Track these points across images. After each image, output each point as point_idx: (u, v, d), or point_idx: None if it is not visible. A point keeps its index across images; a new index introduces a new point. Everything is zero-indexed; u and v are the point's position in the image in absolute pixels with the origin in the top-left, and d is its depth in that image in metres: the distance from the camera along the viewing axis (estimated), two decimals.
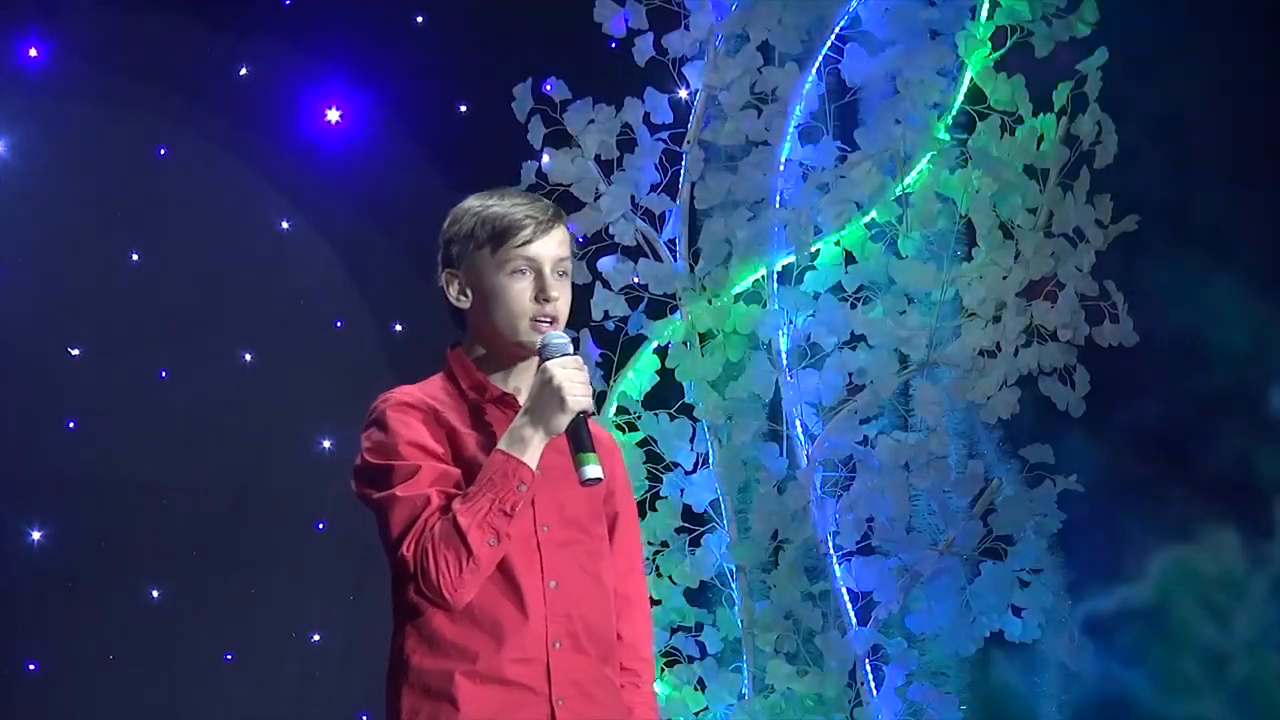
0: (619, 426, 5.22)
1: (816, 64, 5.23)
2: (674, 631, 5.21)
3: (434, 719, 3.14)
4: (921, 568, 5.06)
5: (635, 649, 3.36)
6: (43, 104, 5.56)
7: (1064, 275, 5.05)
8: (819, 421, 5.18)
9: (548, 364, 3.15)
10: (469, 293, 3.24)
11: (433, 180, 5.92)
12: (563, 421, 3.14)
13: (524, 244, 3.21)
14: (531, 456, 3.13)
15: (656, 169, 5.25)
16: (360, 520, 5.81)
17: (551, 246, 3.23)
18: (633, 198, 5.24)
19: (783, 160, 5.20)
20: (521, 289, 3.21)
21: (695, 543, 5.24)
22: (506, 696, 3.14)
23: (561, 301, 3.23)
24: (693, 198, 5.28)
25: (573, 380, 3.14)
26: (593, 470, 3.14)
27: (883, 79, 5.17)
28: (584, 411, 3.16)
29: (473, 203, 3.27)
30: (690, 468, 5.23)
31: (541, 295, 3.20)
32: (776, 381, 5.16)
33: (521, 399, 3.23)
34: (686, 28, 5.24)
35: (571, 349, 3.19)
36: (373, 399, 5.43)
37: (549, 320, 3.21)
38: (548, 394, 3.13)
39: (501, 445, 3.14)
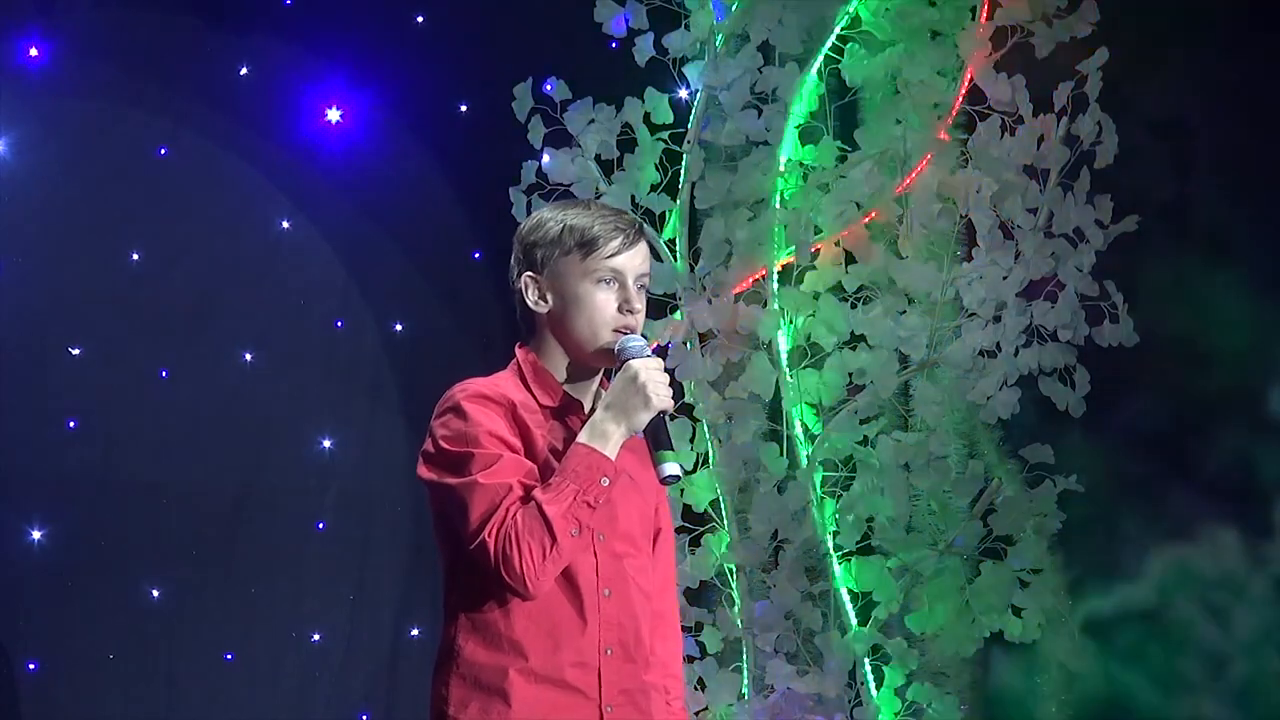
0: None
1: (816, 64, 5.23)
2: None
3: (485, 712, 3.17)
4: (921, 568, 5.06)
5: (667, 666, 3.40)
6: (43, 103, 5.55)
7: (1064, 275, 5.06)
8: (819, 421, 5.18)
9: (632, 362, 3.22)
10: (549, 297, 3.29)
11: (433, 180, 5.92)
12: (644, 419, 3.22)
13: (612, 255, 3.27)
14: (612, 451, 3.20)
15: (656, 169, 5.25)
16: (360, 520, 5.86)
17: (637, 260, 3.30)
18: (633, 198, 5.24)
19: (783, 160, 5.20)
20: (606, 298, 3.27)
21: (695, 543, 5.24)
22: (559, 698, 3.18)
23: (641, 314, 3.31)
24: (693, 198, 5.28)
25: (656, 380, 3.21)
26: (672, 467, 3.22)
27: (883, 79, 5.18)
28: (665, 411, 3.23)
29: (556, 212, 3.34)
30: (690, 468, 5.23)
31: (625, 306, 3.27)
32: (776, 381, 5.16)
33: (587, 408, 3.30)
34: (686, 28, 5.24)
35: (649, 351, 3.26)
36: (373, 399, 5.40)
37: (629, 331, 3.28)
38: (632, 391, 3.20)
39: (583, 438, 3.19)
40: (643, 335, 3.33)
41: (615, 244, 3.27)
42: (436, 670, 3.25)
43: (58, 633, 5.52)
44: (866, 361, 5.08)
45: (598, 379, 3.34)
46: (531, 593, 3.14)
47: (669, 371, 3.33)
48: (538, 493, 3.15)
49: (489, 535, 3.12)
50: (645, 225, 5.21)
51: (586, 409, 3.31)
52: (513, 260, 3.35)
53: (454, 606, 3.23)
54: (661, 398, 3.22)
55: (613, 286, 3.27)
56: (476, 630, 3.20)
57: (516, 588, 3.13)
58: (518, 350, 3.35)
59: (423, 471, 3.24)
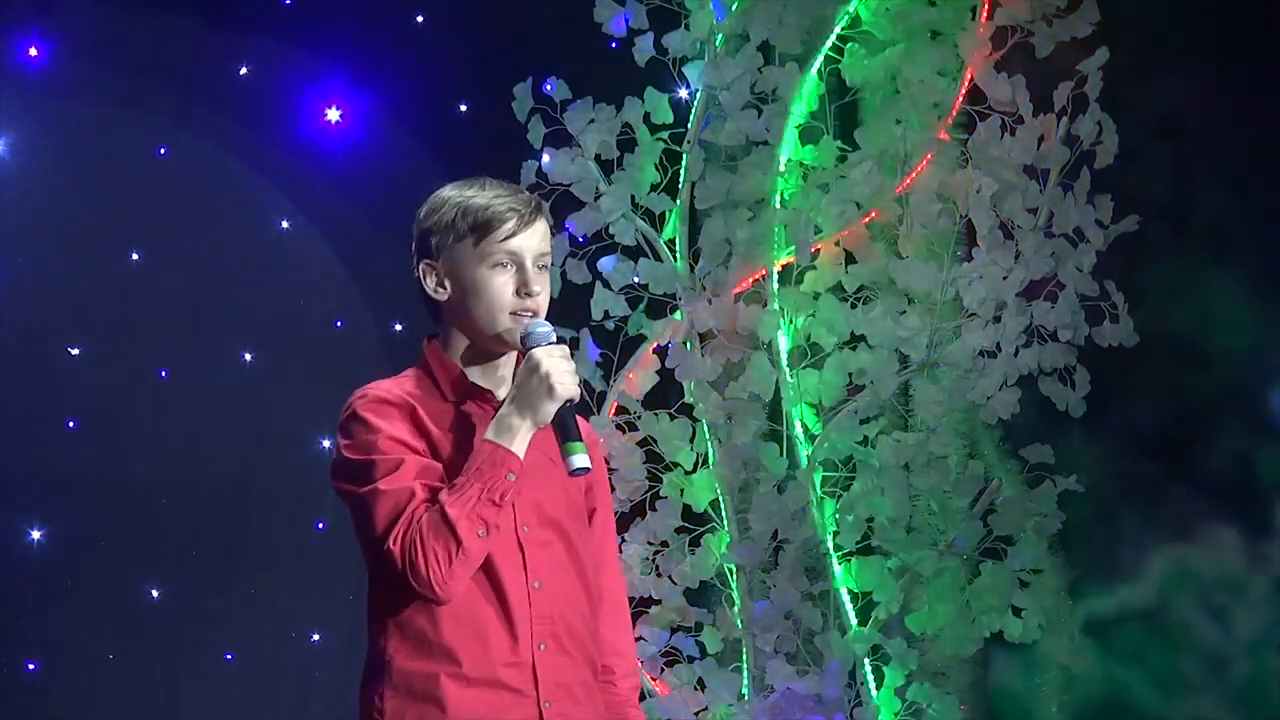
0: (619, 426, 5.21)
1: (816, 64, 5.23)
2: (674, 631, 5.21)
3: None
4: (921, 568, 5.05)
5: (609, 643, 3.30)
6: (43, 103, 5.56)
7: (1064, 275, 5.06)
8: (819, 421, 5.18)
9: (534, 351, 3.11)
10: (447, 284, 3.21)
11: (433, 180, 5.88)
12: (550, 410, 3.10)
13: (507, 237, 3.16)
14: (519, 445, 3.09)
15: (656, 169, 5.25)
16: None
17: (534, 240, 3.19)
18: (633, 198, 5.24)
19: (783, 160, 5.20)
20: (503, 282, 3.16)
21: (695, 543, 5.24)
22: (495, 699, 3.11)
23: (543, 295, 3.19)
24: (693, 198, 5.28)
25: (560, 369, 3.10)
26: (580, 460, 3.10)
27: (883, 79, 5.18)
28: (570, 400, 3.12)
29: (451, 193, 3.24)
30: (690, 468, 5.23)
31: (523, 289, 3.16)
32: (776, 381, 5.16)
33: (500, 395, 3.20)
34: (686, 28, 5.24)
35: (554, 337, 3.15)
36: None
37: (529, 315, 3.17)
38: (535, 382, 3.09)
39: (488, 435, 3.10)
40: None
41: (509, 225, 3.16)
42: (366, 682, 3.18)
43: (58, 633, 5.52)
44: (866, 361, 5.07)
45: (511, 361, 3.21)
46: (442, 597, 3.06)
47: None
48: (442, 495, 3.06)
49: (394, 542, 3.04)
50: (646, 226, 5.24)
51: (499, 397, 3.19)
52: (412, 248, 3.25)
53: (380, 616, 3.15)
54: (566, 386, 3.09)
55: (509, 269, 3.16)
56: (405, 638, 3.12)
57: (426, 594, 3.05)
58: (425, 344, 3.27)
59: (334, 482, 3.18)
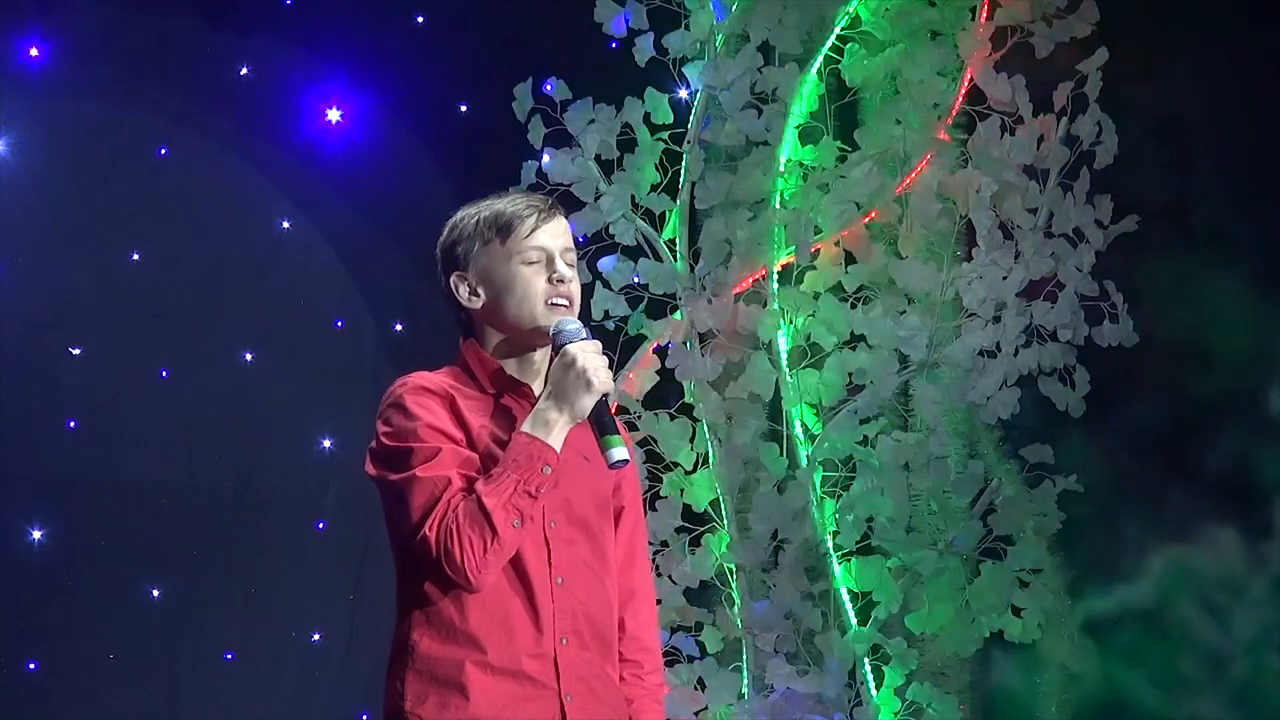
0: None
1: (816, 64, 5.24)
2: (674, 631, 5.21)
3: (442, 707, 3.14)
4: (921, 568, 5.06)
5: (638, 639, 3.36)
6: (43, 103, 5.56)
7: (1064, 275, 5.06)
8: (819, 421, 5.18)
9: (568, 347, 3.18)
10: (480, 290, 3.27)
11: (433, 180, 5.92)
12: (588, 404, 3.17)
13: (531, 233, 3.25)
14: (556, 439, 3.15)
15: (656, 169, 5.25)
16: (360, 520, 5.87)
17: (558, 235, 3.28)
18: (633, 198, 5.24)
19: (783, 160, 5.20)
20: (534, 273, 3.24)
21: (695, 543, 5.24)
22: (517, 690, 3.16)
23: (574, 284, 3.27)
24: (693, 198, 5.28)
25: (595, 363, 3.17)
26: (620, 452, 3.16)
27: (883, 79, 5.18)
28: (606, 394, 3.18)
29: (467, 209, 3.33)
30: (690, 468, 5.23)
31: (555, 277, 3.24)
32: (776, 381, 5.16)
33: (536, 389, 3.26)
34: (686, 28, 5.25)
35: (585, 334, 3.22)
36: (373, 399, 5.41)
37: (565, 302, 3.25)
38: (572, 376, 3.16)
39: (525, 428, 3.16)
40: (581, 320, 3.28)
41: (531, 222, 3.25)
42: (391, 666, 3.22)
43: (58, 633, 5.52)
44: (866, 361, 5.08)
45: (544, 362, 3.29)
46: (475, 585, 3.12)
47: (607, 354, 3.28)
48: (479, 484, 3.12)
49: (430, 529, 3.10)
50: (646, 226, 5.25)
51: (536, 391, 3.27)
52: (439, 270, 3.33)
53: (407, 602, 3.21)
54: (602, 381, 3.17)
55: (539, 263, 3.25)
56: (431, 625, 3.17)
57: (459, 581, 3.11)
58: (461, 343, 3.33)
59: (369, 468, 3.23)
